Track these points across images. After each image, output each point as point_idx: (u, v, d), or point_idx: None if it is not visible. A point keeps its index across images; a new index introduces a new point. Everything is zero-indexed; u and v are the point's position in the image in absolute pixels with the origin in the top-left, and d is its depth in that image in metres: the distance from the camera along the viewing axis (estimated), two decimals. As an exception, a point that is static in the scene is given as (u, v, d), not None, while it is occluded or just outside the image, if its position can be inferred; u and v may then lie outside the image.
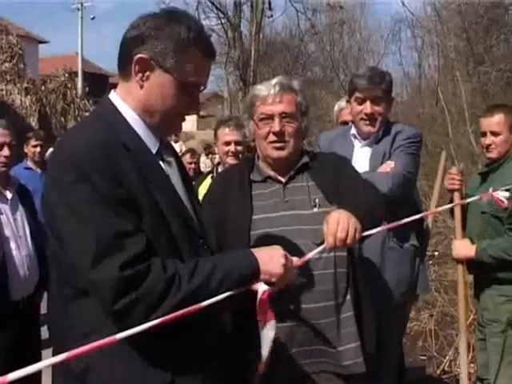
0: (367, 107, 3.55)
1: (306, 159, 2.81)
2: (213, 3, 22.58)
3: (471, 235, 3.97)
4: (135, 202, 1.80)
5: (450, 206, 3.64)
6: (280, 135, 2.73)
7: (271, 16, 23.37)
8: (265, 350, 1.93)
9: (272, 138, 2.74)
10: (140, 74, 1.92)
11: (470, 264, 3.90)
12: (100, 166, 1.76)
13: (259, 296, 1.89)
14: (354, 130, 3.70)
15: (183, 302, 1.73)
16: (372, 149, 3.60)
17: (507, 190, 3.29)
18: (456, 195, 3.87)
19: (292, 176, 2.78)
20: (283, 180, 2.78)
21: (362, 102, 3.57)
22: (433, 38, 17.74)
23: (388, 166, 3.42)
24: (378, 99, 3.55)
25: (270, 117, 2.73)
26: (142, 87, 1.94)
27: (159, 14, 1.98)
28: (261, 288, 1.89)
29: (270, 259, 1.92)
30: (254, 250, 1.97)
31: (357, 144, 3.68)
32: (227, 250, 2.23)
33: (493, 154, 3.93)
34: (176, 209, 1.94)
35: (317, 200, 2.68)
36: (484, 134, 3.96)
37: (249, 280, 1.89)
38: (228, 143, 4.20)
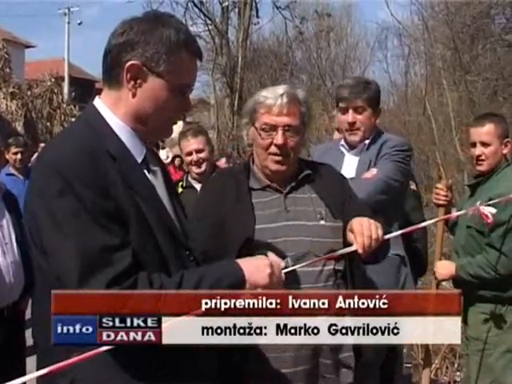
0: (349, 116, 3.60)
1: (308, 171, 2.75)
2: (200, 10, 22.53)
3: (456, 247, 3.95)
4: (122, 213, 1.77)
5: (432, 221, 3.54)
6: (282, 148, 2.64)
7: (258, 23, 23.38)
8: None
9: (274, 150, 2.65)
10: (132, 82, 1.88)
11: (454, 280, 3.87)
12: (86, 176, 1.72)
13: None
14: (343, 141, 3.74)
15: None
16: (359, 158, 3.62)
17: (493, 206, 3.26)
18: (441, 210, 3.80)
19: (294, 186, 2.71)
20: (284, 190, 2.71)
21: (344, 111, 3.63)
22: (420, 46, 17.80)
23: (370, 173, 3.45)
24: (360, 108, 3.58)
25: (274, 128, 2.64)
26: (134, 95, 1.89)
27: (144, 18, 1.93)
28: None
29: (256, 269, 1.89)
30: (239, 260, 1.94)
31: (346, 153, 3.70)
32: (224, 259, 2.15)
33: (483, 167, 3.79)
34: (162, 220, 1.90)
35: (323, 212, 2.63)
36: (474, 145, 3.81)
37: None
38: (189, 153, 4.25)
